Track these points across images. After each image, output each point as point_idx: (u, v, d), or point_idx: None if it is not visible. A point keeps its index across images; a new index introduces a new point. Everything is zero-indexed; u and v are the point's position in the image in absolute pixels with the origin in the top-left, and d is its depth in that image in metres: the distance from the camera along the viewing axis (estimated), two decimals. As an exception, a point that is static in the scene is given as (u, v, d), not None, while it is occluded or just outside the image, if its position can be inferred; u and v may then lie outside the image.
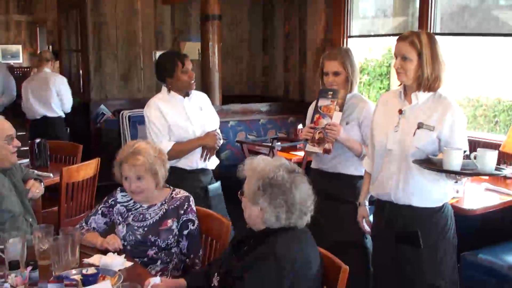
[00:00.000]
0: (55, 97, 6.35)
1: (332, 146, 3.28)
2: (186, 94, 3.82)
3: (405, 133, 2.80)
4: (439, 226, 2.82)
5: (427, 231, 2.80)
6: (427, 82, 2.76)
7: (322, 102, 3.36)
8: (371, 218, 3.17)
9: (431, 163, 2.70)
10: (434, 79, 2.75)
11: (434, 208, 2.82)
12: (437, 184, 2.80)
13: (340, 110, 3.30)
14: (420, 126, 2.75)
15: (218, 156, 4.02)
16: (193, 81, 3.79)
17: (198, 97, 3.96)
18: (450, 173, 2.65)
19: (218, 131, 3.94)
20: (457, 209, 3.32)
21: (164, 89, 3.84)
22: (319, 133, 3.33)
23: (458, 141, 2.74)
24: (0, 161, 3.02)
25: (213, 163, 3.91)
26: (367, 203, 3.19)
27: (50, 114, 6.36)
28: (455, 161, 2.61)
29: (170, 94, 3.81)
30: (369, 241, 3.35)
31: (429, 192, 2.81)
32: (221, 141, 3.84)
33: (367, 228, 3.19)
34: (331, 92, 3.34)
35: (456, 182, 2.82)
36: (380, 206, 2.96)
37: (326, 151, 3.30)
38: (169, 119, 3.74)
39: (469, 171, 2.68)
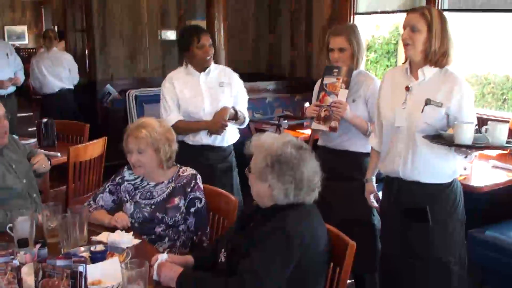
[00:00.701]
0: (68, 72, 6.98)
1: (338, 123, 3.27)
2: (203, 69, 3.80)
3: (413, 110, 2.78)
4: (448, 202, 2.82)
5: (436, 207, 2.80)
6: (433, 56, 2.73)
7: (328, 80, 3.35)
8: (380, 193, 3.17)
9: (441, 139, 2.68)
10: (442, 54, 2.72)
11: (443, 184, 2.81)
12: (446, 160, 2.79)
13: (346, 88, 3.28)
14: (427, 102, 2.73)
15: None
16: (208, 57, 3.75)
17: (221, 73, 3.90)
18: (462, 147, 2.63)
19: (244, 111, 3.88)
20: (465, 186, 3.31)
21: (184, 63, 3.85)
22: (324, 111, 3.32)
23: (467, 116, 2.72)
24: None
25: (225, 140, 3.88)
26: (374, 179, 3.19)
27: (67, 86, 6.99)
28: (466, 135, 2.59)
29: (187, 68, 3.81)
30: (376, 218, 3.36)
31: (438, 168, 2.80)
32: (228, 125, 3.76)
33: (375, 203, 3.19)
34: (337, 70, 3.32)
35: (466, 157, 2.80)
36: (389, 183, 2.96)
37: (332, 129, 3.30)
38: (178, 93, 3.75)
39: (480, 145, 2.66)
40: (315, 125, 3.39)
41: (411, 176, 2.82)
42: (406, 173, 2.83)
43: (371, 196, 3.19)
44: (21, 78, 6.62)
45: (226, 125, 3.68)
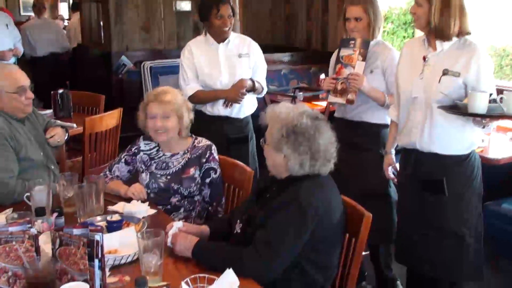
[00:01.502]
0: (55, 37, 8.21)
1: (356, 96, 3.25)
2: (222, 40, 3.77)
3: (430, 80, 2.75)
4: (466, 174, 2.80)
5: (453, 179, 2.78)
6: (435, 30, 2.69)
7: (344, 52, 3.31)
8: (397, 165, 3.16)
9: (457, 109, 2.65)
10: (445, 26, 2.67)
11: (461, 156, 2.79)
12: (463, 131, 2.76)
13: (363, 60, 3.25)
14: (445, 72, 2.69)
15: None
16: (227, 28, 3.70)
17: (240, 43, 3.85)
18: (475, 116, 2.60)
19: (262, 81, 3.85)
20: (482, 158, 3.28)
21: (204, 32, 3.82)
22: (341, 83, 3.29)
23: (485, 86, 2.68)
24: (13, 112, 3.00)
25: (242, 111, 3.86)
26: (393, 151, 3.17)
27: (56, 51, 8.20)
28: (480, 104, 2.55)
29: (206, 38, 3.78)
30: (392, 190, 3.34)
31: (455, 140, 2.77)
32: (245, 96, 3.74)
33: (392, 176, 3.17)
34: (353, 41, 3.28)
35: (484, 127, 2.77)
36: (406, 155, 2.94)
37: (349, 102, 3.27)
38: (196, 62, 3.73)
39: (495, 114, 2.62)
40: (332, 98, 3.37)
41: (428, 148, 2.80)
42: (423, 144, 2.81)
43: (389, 169, 3.17)
44: (20, 49, 6.75)
45: (244, 95, 3.66)
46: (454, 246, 2.82)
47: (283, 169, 2.28)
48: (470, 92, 2.60)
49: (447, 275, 2.90)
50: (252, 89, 3.75)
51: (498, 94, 2.69)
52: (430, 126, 2.77)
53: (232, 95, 3.66)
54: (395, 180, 3.17)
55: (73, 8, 9.52)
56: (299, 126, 2.21)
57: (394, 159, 3.17)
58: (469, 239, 2.82)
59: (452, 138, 2.77)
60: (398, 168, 3.13)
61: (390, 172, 3.17)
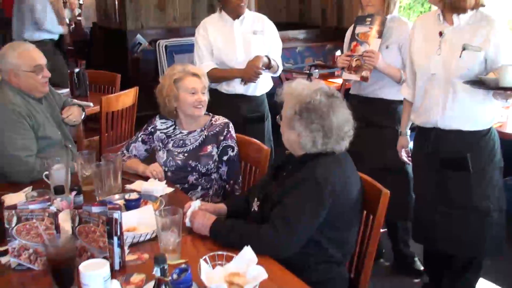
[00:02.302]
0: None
1: (370, 73, 3.23)
2: (237, 16, 3.75)
3: (450, 56, 2.71)
4: (487, 149, 2.78)
5: (476, 155, 2.76)
6: (449, 3, 2.65)
7: (360, 29, 3.29)
8: (410, 145, 3.14)
9: (482, 83, 2.62)
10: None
11: (482, 131, 2.77)
12: (485, 106, 2.74)
13: (379, 37, 3.22)
14: (465, 47, 2.66)
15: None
16: (242, 4, 3.66)
17: (255, 20, 3.82)
18: (509, 90, 2.56)
19: (278, 60, 3.81)
20: (501, 133, 3.25)
21: (218, 9, 3.81)
22: (356, 60, 3.28)
23: (506, 59, 2.64)
24: (30, 91, 3.02)
25: (258, 89, 3.84)
26: (408, 132, 3.15)
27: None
28: None
29: (221, 15, 3.75)
30: (410, 166, 3.33)
31: (477, 115, 2.75)
32: (262, 73, 3.71)
33: (405, 158, 3.15)
34: (369, 19, 3.25)
35: (507, 101, 2.74)
36: (425, 134, 2.90)
37: (364, 79, 3.26)
38: (212, 40, 3.71)
39: None
40: (346, 75, 3.36)
41: (450, 125, 2.77)
42: (445, 121, 2.78)
43: (403, 151, 3.15)
44: None
45: (260, 73, 3.64)
46: (478, 222, 2.82)
47: (297, 146, 2.27)
48: (502, 66, 2.56)
49: (470, 251, 2.90)
50: (268, 67, 3.73)
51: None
52: (452, 102, 2.74)
53: (248, 74, 3.64)
54: (409, 161, 3.15)
55: None
56: (312, 103, 2.19)
57: (409, 140, 3.15)
58: (493, 213, 2.81)
59: (475, 114, 2.74)
60: (412, 148, 3.12)
61: (403, 154, 3.15)
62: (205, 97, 2.94)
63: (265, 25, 3.83)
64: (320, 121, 2.18)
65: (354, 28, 3.34)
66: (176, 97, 2.92)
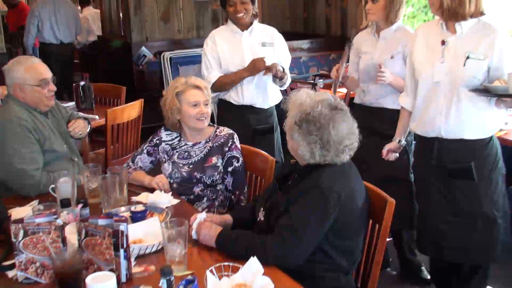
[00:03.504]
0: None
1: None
2: (246, 28, 3.76)
3: (454, 64, 2.71)
4: (491, 157, 2.78)
5: (480, 163, 2.76)
6: (448, 11, 2.66)
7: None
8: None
9: (488, 91, 2.62)
10: (457, 6, 2.64)
11: (485, 139, 2.77)
12: (487, 114, 2.74)
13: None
14: (469, 56, 2.67)
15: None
16: (240, 14, 3.68)
17: (264, 32, 3.84)
18: None
19: (286, 70, 3.81)
20: (505, 141, 3.25)
21: (226, 20, 3.84)
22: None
23: (509, 67, 2.66)
24: (36, 104, 3.03)
25: (267, 102, 3.85)
26: (403, 141, 3.13)
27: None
28: None
29: (229, 26, 3.78)
30: (413, 176, 3.33)
31: (480, 123, 2.75)
32: (271, 85, 3.79)
33: (385, 153, 3.14)
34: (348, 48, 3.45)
35: (508, 109, 2.75)
36: (427, 144, 2.89)
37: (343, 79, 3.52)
38: (220, 51, 3.73)
39: None
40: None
41: (454, 133, 2.77)
42: (449, 130, 2.77)
43: (388, 153, 3.14)
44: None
45: (265, 63, 3.62)
46: (486, 229, 2.82)
47: (297, 156, 2.28)
48: (510, 73, 2.56)
49: (478, 259, 2.90)
50: (281, 77, 3.71)
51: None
52: (456, 110, 2.74)
53: (254, 68, 3.64)
54: (386, 158, 3.15)
55: (82, 2, 9.34)
56: (311, 114, 2.18)
57: (400, 148, 3.14)
58: (499, 220, 2.81)
59: (479, 122, 2.75)
60: (408, 159, 3.12)
61: (386, 152, 3.14)
62: (208, 109, 2.95)
63: (275, 37, 3.86)
64: (318, 133, 2.18)
65: (350, 48, 3.43)
66: (179, 110, 2.93)
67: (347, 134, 2.21)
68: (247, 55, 3.70)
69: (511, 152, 2.90)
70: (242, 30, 3.74)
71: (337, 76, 3.45)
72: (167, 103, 2.95)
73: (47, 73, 3.07)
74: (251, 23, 3.76)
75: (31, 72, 3.00)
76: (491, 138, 2.79)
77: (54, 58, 7.34)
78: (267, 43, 3.78)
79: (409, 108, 3.02)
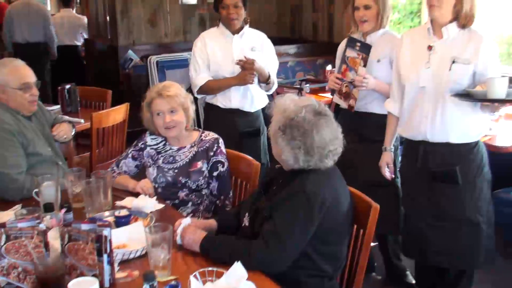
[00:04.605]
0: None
1: (355, 102, 3.29)
2: (237, 31, 3.76)
3: (440, 69, 2.73)
4: (476, 162, 2.80)
5: (465, 167, 2.78)
6: (464, 18, 2.68)
7: (350, 53, 3.32)
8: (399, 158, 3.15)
9: (470, 96, 2.64)
10: (472, 15, 2.68)
11: (471, 143, 2.79)
12: (473, 119, 2.77)
13: (364, 65, 3.25)
14: (455, 60, 2.69)
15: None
16: (233, 18, 3.69)
17: (254, 37, 3.86)
18: (495, 101, 2.59)
19: (273, 76, 3.83)
20: (490, 146, 3.28)
21: (218, 22, 3.84)
22: (346, 86, 3.32)
23: (494, 73, 2.69)
24: (18, 108, 2.99)
25: (253, 106, 3.86)
26: (393, 148, 3.16)
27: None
28: (500, 89, 2.55)
29: (220, 28, 3.79)
30: (399, 180, 3.33)
31: (466, 127, 2.77)
32: (257, 89, 3.80)
33: (388, 174, 3.16)
34: (359, 44, 3.28)
35: (494, 113, 2.77)
36: (413, 147, 2.91)
37: (350, 108, 3.33)
38: (210, 53, 3.73)
39: None
40: (337, 99, 3.43)
41: (439, 138, 2.79)
42: (435, 134, 2.79)
43: (386, 167, 3.16)
44: None
45: (254, 75, 3.64)
46: (470, 234, 2.83)
47: (281, 161, 2.28)
48: (489, 78, 2.59)
49: (463, 264, 2.91)
50: (266, 81, 3.75)
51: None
52: (441, 115, 2.76)
53: (242, 79, 3.65)
54: (390, 177, 3.16)
55: (64, 4, 9.15)
56: (295, 119, 2.19)
57: (393, 156, 3.16)
58: (483, 225, 2.83)
59: (465, 126, 2.77)
60: (395, 164, 3.13)
61: (386, 170, 3.15)
62: (175, 116, 2.88)
63: (264, 43, 3.88)
64: (302, 138, 2.18)
65: (346, 49, 3.36)
66: (149, 121, 2.94)
67: (331, 139, 2.21)
68: (236, 58, 3.70)
69: (495, 157, 2.92)
70: (233, 34, 3.75)
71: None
72: (143, 114, 2.96)
73: (31, 77, 3.03)
74: (242, 27, 3.77)
75: (14, 75, 2.97)
76: (477, 143, 2.81)
77: (21, 57, 7.29)
78: (256, 48, 3.80)
79: (396, 114, 3.03)
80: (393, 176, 3.18)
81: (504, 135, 3.75)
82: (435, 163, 2.83)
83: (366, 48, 3.25)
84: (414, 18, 6.69)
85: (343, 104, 3.36)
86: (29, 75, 3.04)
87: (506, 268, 3.72)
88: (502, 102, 2.60)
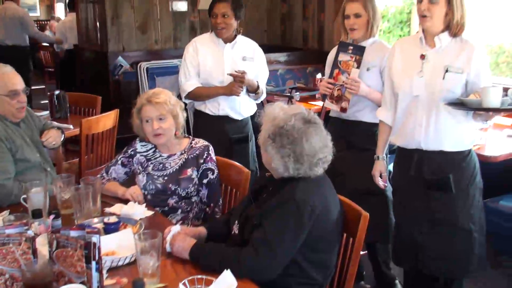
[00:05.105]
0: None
1: (348, 104, 3.28)
2: (229, 40, 3.76)
3: (433, 78, 2.75)
4: (469, 170, 2.82)
5: (458, 175, 2.79)
6: (456, 27, 2.70)
7: (342, 57, 3.33)
8: (390, 166, 3.15)
9: (464, 105, 2.66)
10: (463, 24, 2.70)
11: (464, 152, 2.81)
12: (467, 127, 2.79)
13: (358, 67, 3.26)
14: (448, 69, 2.71)
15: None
16: (219, 29, 3.70)
17: (245, 47, 3.87)
18: (490, 110, 2.61)
19: (262, 86, 3.84)
20: (479, 156, 3.28)
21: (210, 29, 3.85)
22: (338, 90, 3.32)
23: (485, 81, 2.72)
24: (5, 115, 2.98)
25: (241, 113, 3.87)
26: (385, 157, 3.16)
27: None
28: (495, 98, 2.57)
29: (212, 36, 3.79)
30: (389, 189, 3.34)
31: (460, 136, 2.79)
32: (245, 99, 3.81)
33: (381, 183, 3.16)
34: (351, 47, 3.29)
35: (487, 122, 2.79)
36: (407, 155, 2.92)
37: (343, 110, 3.32)
38: (201, 60, 3.74)
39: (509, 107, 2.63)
40: (328, 103, 3.41)
41: (433, 146, 2.80)
42: (429, 143, 2.80)
43: (379, 177, 3.16)
44: None
45: (242, 88, 3.66)
46: (463, 242, 2.84)
47: (271, 169, 2.28)
48: (484, 87, 2.62)
49: (455, 271, 2.92)
50: (255, 91, 3.76)
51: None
52: (435, 123, 2.77)
53: (231, 89, 3.66)
54: (384, 186, 3.16)
55: (69, 8, 9.41)
56: (285, 128, 2.19)
57: (386, 165, 3.16)
58: (475, 233, 2.84)
59: (458, 134, 2.78)
60: (388, 172, 3.13)
61: (379, 179, 3.16)
62: (163, 124, 2.86)
63: (256, 52, 3.90)
64: (291, 146, 2.18)
65: (337, 54, 3.36)
66: (139, 127, 2.94)
67: (320, 147, 2.22)
68: (227, 68, 3.72)
69: (483, 167, 2.93)
70: (225, 42, 3.75)
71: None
72: (133, 121, 2.95)
73: (19, 84, 3.02)
74: (235, 37, 3.77)
75: (2, 82, 2.95)
76: (470, 151, 2.83)
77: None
78: (247, 57, 3.81)
79: (389, 122, 3.04)
80: (386, 184, 3.18)
81: (492, 145, 3.76)
82: (429, 171, 2.84)
83: (359, 50, 3.26)
84: (404, 27, 6.73)
85: (335, 108, 3.35)
86: (17, 82, 3.02)
87: (495, 277, 3.73)
88: (497, 111, 2.63)
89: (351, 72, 3.27)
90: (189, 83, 3.71)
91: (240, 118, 3.86)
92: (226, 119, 3.81)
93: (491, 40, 5.87)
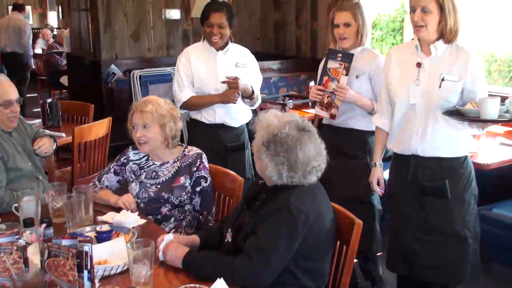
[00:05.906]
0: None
1: (337, 111, 3.29)
2: (221, 48, 3.76)
3: (429, 86, 2.76)
4: (465, 176, 2.83)
5: (454, 181, 2.80)
6: (450, 34, 2.71)
7: (331, 64, 3.33)
8: (386, 172, 3.15)
9: (460, 114, 2.67)
10: (456, 30, 2.71)
11: (460, 158, 2.82)
12: (463, 133, 2.80)
13: (346, 74, 3.27)
14: (444, 77, 2.71)
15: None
16: (215, 38, 3.69)
17: (238, 53, 3.86)
18: (489, 122, 2.64)
19: (257, 92, 3.83)
20: (472, 164, 3.29)
21: (202, 37, 3.84)
22: (327, 97, 3.33)
23: (481, 89, 2.74)
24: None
25: (237, 120, 3.86)
26: (382, 164, 3.16)
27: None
28: (493, 110, 2.59)
29: (204, 44, 3.79)
30: (376, 198, 3.34)
31: (456, 142, 2.80)
32: (241, 105, 3.80)
33: (378, 190, 3.16)
34: (340, 55, 3.30)
35: (483, 130, 2.81)
36: (403, 161, 2.92)
37: (332, 116, 3.33)
38: (194, 69, 3.72)
39: (506, 118, 2.66)
40: (318, 110, 3.41)
41: (430, 153, 2.81)
42: (425, 149, 2.81)
43: (376, 183, 3.16)
44: None
45: (238, 96, 3.65)
46: (458, 248, 2.84)
47: (265, 177, 2.28)
48: (482, 98, 2.64)
49: (450, 278, 2.92)
50: (250, 97, 3.76)
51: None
52: (432, 130, 2.78)
53: (227, 97, 3.65)
54: (381, 193, 3.16)
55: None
56: (279, 135, 2.19)
57: (383, 172, 3.16)
58: (470, 240, 2.85)
59: (455, 141, 2.80)
60: (386, 179, 3.13)
61: (376, 185, 3.15)
62: (147, 132, 2.86)
63: (248, 59, 3.89)
64: (285, 154, 2.18)
65: (326, 61, 3.37)
66: (131, 133, 2.94)
67: (314, 155, 2.21)
68: (220, 75, 3.71)
69: (476, 174, 2.94)
70: (217, 50, 3.75)
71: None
72: (128, 125, 2.95)
73: (13, 95, 3.02)
74: (226, 44, 3.77)
75: None
76: (466, 157, 2.84)
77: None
78: (240, 63, 3.80)
79: (386, 129, 3.04)
80: (383, 191, 3.17)
81: (485, 153, 3.78)
82: (425, 177, 2.84)
83: (347, 58, 3.27)
84: (397, 35, 6.76)
85: (325, 114, 3.36)
86: (11, 92, 3.02)
87: (488, 285, 3.73)
88: (495, 122, 2.67)
89: (340, 79, 3.27)
90: (183, 93, 3.70)
91: (236, 126, 3.85)
92: (222, 127, 3.79)
93: (483, 48, 5.90)
